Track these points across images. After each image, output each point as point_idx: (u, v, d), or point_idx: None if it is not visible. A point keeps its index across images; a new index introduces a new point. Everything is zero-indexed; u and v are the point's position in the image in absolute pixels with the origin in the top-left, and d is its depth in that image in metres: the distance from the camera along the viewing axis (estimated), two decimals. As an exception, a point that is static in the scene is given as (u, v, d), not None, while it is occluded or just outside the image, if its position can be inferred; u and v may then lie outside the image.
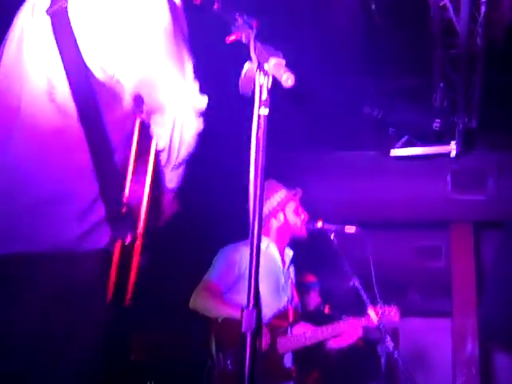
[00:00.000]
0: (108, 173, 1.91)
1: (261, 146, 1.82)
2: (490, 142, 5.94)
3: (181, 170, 2.18)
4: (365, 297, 3.56)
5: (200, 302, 3.52)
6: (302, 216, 3.78)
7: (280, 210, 3.75)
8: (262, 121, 1.84)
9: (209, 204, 5.78)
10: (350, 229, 3.70)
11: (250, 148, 1.82)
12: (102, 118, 1.92)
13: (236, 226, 2.54)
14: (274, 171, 3.76)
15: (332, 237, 3.68)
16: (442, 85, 5.09)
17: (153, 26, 2.03)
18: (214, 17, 2.21)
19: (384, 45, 4.81)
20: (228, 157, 4.89)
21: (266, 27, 2.08)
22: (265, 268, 3.58)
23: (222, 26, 2.14)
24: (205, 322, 3.52)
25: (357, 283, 3.57)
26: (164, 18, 2.06)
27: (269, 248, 3.69)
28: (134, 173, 1.94)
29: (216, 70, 4.02)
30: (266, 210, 3.71)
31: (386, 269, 6.39)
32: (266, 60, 1.86)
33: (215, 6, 2.21)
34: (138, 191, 1.93)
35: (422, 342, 8.53)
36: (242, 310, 1.76)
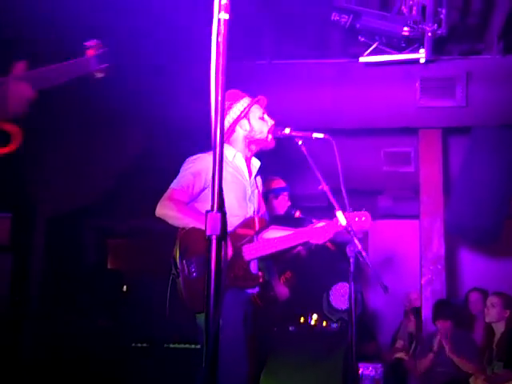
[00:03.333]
0: None
1: (221, 51, 1.83)
2: (459, 49, 5.95)
3: None
4: (333, 201, 3.60)
5: (164, 211, 3.51)
6: (269, 122, 3.76)
7: (244, 117, 3.72)
8: (221, 26, 1.83)
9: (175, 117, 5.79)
10: (318, 135, 3.72)
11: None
12: None
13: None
14: (239, 81, 3.78)
15: (300, 143, 3.69)
16: (411, -9, 5.03)
17: None
18: None
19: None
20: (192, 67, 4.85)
21: None
22: (231, 178, 3.61)
23: None
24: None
25: (326, 188, 3.59)
26: None
27: (235, 158, 3.69)
28: None
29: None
30: (229, 118, 3.68)
31: (356, 175, 6.52)
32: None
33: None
34: None
35: (390, 243, 8.82)
36: (206, 214, 1.81)
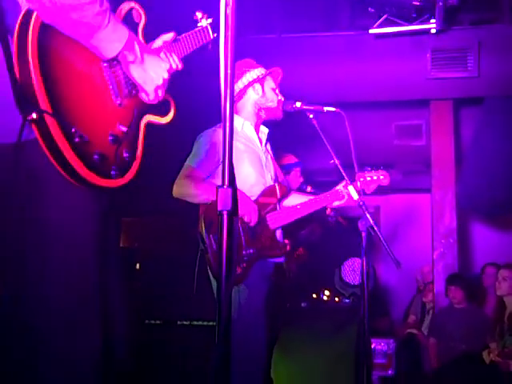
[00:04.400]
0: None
1: (230, 24, 1.79)
2: (470, 19, 5.86)
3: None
4: (345, 175, 3.59)
5: (182, 189, 3.50)
6: (280, 97, 3.74)
7: (258, 82, 3.70)
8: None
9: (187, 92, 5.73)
10: (330, 108, 3.68)
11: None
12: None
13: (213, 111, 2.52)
14: (249, 55, 3.73)
15: (311, 117, 3.66)
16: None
17: None
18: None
19: None
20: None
21: None
22: (244, 147, 3.59)
23: None
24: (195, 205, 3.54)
25: (337, 162, 3.57)
26: None
27: (244, 127, 3.67)
28: (17, 49, 1.87)
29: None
30: (245, 80, 3.66)
31: (368, 149, 6.47)
32: None
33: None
34: (26, 68, 1.86)
35: (402, 218, 8.79)
36: (217, 189, 1.78)
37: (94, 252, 2.09)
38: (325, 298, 6.67)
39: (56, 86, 1.93)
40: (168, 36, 2.42)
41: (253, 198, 3.48)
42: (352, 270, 6.96)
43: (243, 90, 3.66)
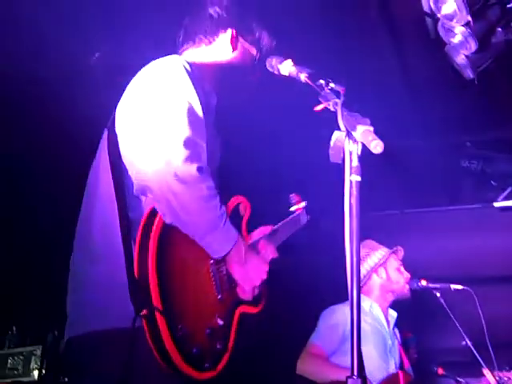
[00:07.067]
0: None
1: (354, 212, 1.83)
2: None
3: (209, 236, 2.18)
4: (478, 357, 3.41)
5: (306, 367, 3.50)
6: (405, 274, 3.71)
7: (381, 266, 3.70)
8: (353, 187, 1.85)
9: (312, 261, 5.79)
10: (457, 286, 3.59)
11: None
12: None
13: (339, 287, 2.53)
14: (374, 231, 3.76)
15: (438, 295, 3.58)
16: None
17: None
18: (303, 86, 2.27)
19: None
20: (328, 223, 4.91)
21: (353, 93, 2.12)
22: (370, 329, 3.53)
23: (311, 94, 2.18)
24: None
25: (468, 343, 3.42)
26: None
27: (372, 308, 3.64)
28: (139, 249, 2.03)
29: (305, 139, 4.10)
30: (367, 266, 3.68)
31: (500, 326, 6.11)
32: (354, 128, 1.88)
33: (303, 77, 2.28)
34: (144, 266, 2.00)
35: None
36: (347, 380, 1.73)
37: None
38: None
39: (168, 283, 2.05)
40: (266, 229, 2.58)
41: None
42: None
43: (367, 276, 3.68)
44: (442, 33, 3.34)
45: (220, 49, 2.57)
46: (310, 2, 3.68)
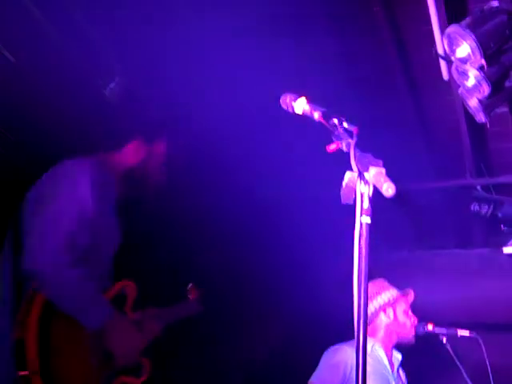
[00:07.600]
0: None
1: (363, 254, 1.82)
2: None
3: None
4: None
5: None
6: (412, 319, 3.67)
7: (390, 306, 3.66)
8: (363, 229, 1.84)
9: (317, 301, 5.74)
10: (464, 332, 3.54)
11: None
12: None
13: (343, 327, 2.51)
14: (382, 272, 3.74)
15: (444, 341, 3.53)
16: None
17: None
18: (315, 125, 2.27)
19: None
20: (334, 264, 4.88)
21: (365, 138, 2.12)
22: (372, 370, 3.47)
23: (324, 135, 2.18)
24: None
25: (474, 389, 3.37)
26: None
27: (374, 349, 3.57)
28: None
29: (317, 179, 4.10)
30: (376, 304, 3.64)
31: (507, 375, 6.02)
32: (367, 169, 1.88)
33: (317, 116, 2.28)
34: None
35: None
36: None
37: None
38: None
39: (48, 349, 2.27)
40: (152, 310, 2.93)
41: None
42: None
43: (375, 314, 3.64)
44: (455, 75, 3.35)
45: (126, 156, 2.98)
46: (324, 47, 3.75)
